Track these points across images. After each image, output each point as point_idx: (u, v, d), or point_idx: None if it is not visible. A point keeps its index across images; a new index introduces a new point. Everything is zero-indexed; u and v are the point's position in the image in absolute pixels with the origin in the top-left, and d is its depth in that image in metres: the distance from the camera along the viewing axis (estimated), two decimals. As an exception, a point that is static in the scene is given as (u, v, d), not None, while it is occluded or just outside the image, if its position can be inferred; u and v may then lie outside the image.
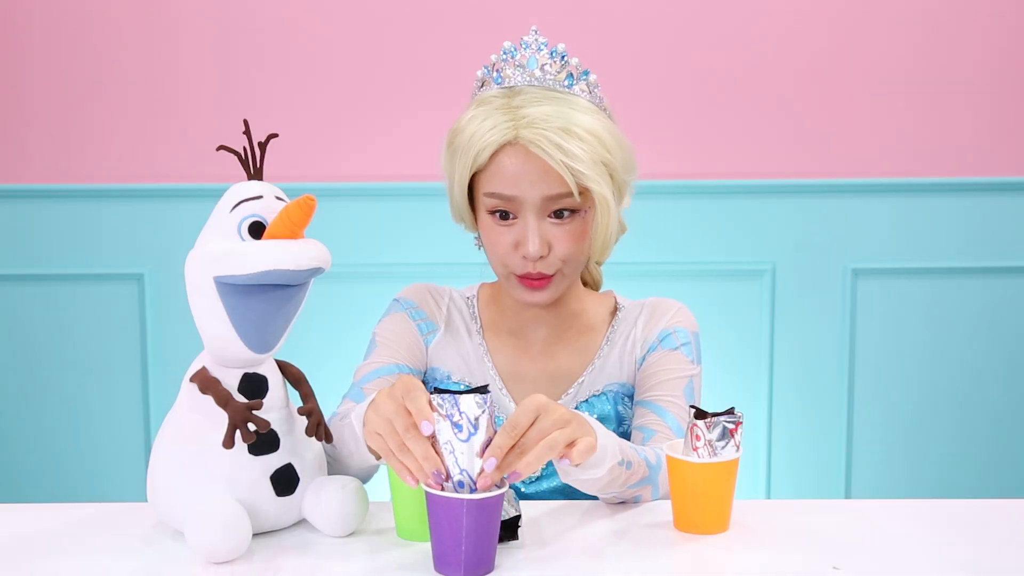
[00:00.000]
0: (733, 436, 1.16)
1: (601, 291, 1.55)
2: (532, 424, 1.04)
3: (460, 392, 1.03)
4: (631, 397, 1.45)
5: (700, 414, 1.16)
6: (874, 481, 2.47)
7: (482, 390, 1.04)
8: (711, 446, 1.15)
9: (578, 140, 1.28)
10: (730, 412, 1.16)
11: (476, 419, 1.02)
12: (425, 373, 1.47)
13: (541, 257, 1.32)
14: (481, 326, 1.48)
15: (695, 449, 1.16)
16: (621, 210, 1.40)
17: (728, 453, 1.16)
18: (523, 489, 1.41)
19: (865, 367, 2.45)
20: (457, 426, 1.02)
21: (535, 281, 1.34)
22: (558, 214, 1.31)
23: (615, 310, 1.50)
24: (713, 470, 1.16)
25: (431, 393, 1.03)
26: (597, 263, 1.52)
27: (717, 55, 2.38)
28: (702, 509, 1.17)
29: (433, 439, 1.03)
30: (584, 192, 1.30)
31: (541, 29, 1.38)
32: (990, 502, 1.29)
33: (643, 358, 1.45)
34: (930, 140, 2.40)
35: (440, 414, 1.02)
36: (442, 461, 1.02)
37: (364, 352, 1.47)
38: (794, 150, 2.40)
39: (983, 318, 2.44)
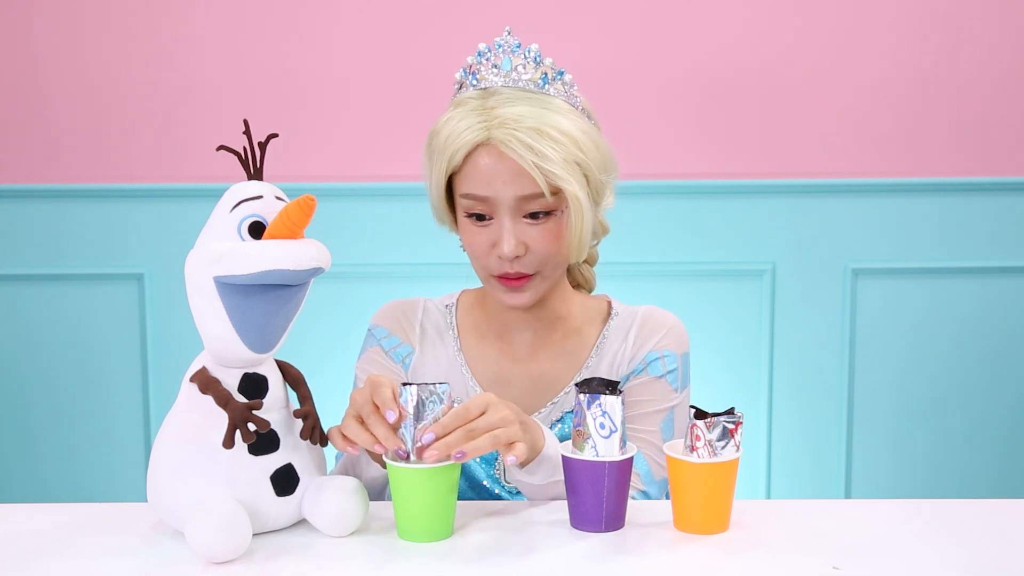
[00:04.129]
0: (733, 436, 1.16)
1: (595, 293, 1.53)
2: (481, 415, 1.15)
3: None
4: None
5: (700, 414, 1.16)
6: (874, 481, 2.47)
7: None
8: (711, 446, 1.15)
9: (550, 140, 1.28)
10: (730, 412, 1.17)
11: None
12: None
13: (517, 257, 1.32)
14: (459, 335, 1.47)
15: (695, 449, 1.16)
16: (603, 211, 1.41)
17: (728, 453, 1.16)
18: (510, 498, 1.41)
19: (865, 367, 2.45)
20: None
21: (514, 281, 1.34)
22: (533, 215, 1.32)
23: (608, 316, 1.48)
24: (713, 470, 1.16)
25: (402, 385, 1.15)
26: (582, 263, 1.51)
27: (718, 55, 2.38)
28: (702, 509, 1.17)
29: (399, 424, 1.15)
30: (558, 192, 1.30)
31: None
32: (990, 502, 1.29)
33: (627, 377, 1.44)
34: (930, 140, 2.41)
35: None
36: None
37: (352, 386, 1.49)
38: (793, 150, 2.40)
39: (983, 318, 2.44)
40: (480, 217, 1.33)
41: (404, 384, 1.15)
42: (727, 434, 1.16)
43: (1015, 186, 2.40)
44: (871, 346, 2.44)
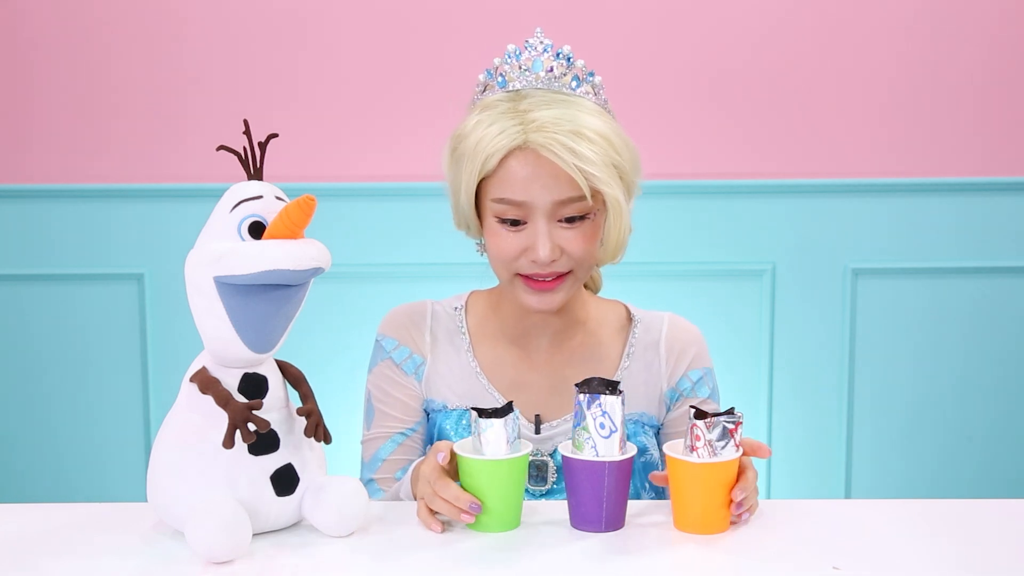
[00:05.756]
0: (733, 436, 1.16)
1: (609, 298, 1.51)
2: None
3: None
4: (653, 427, 1.43)
5: (700, 414, 1.16)
6: (874, 481, 2.47)
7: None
8: (711, 446, 1.16)
9: (588, 143, 1.26)
10: (730, 412, 1.17)
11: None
12: (423, 404, 1.45)
13: (552, 261, 1.30)
14: (471, 338, 1.44)
15: (695, 449, 1.16)
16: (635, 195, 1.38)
17: (728, 453, 1.16)
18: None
19: (865, 367, 2.45)
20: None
21: (547, 283, 1.32)
22: (569, 219, 1.30)
23: (629, 322, 1.46)
24: (713, 470, 1.16)
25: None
26: (612, 263, 1.50)
27: (718, 55, 2.38)
28: (702, 509, 1.17)
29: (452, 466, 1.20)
30: (594, 195, 1.29)
31: (542, 26, 1.38)
32: (989, 502, 1.29)
33: (674, 394, 1.43)
34: (930, 140, 2.41)
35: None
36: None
37: (364, 407, 1.47)
38: (793, 150, 2.40)
39: (982, 318, 2.44)
40: (515, 223, 1.30)
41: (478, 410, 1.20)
42: (727, 434, 1.16)
43: (1015, 186, 2.40)
44: (871, 346, 2.44)
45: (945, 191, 2.39)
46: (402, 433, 1.42)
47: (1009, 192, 2.40)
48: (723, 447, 1.16)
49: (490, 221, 1.32)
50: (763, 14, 2.37)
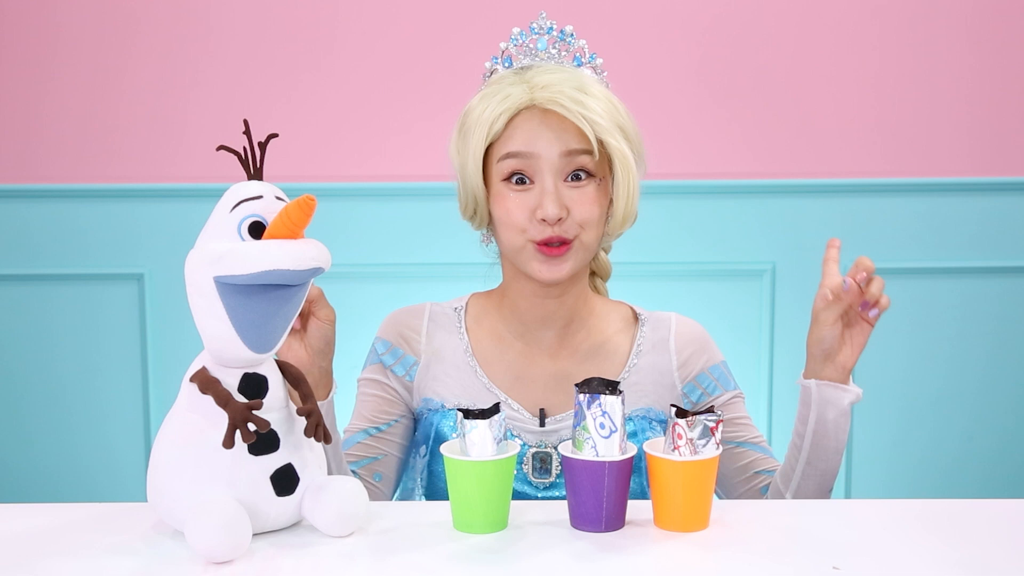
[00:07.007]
0: (714, 434, 1.17)
1: (613, 299, 1.52)
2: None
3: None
4: (660, 423, 1.44)
5: (681, 413, 1.17)
6: (874, 481, 2.47)
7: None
8: (692, 444, 1.16)
9: (594, 99, 1.31)
10: (710, 411, 1.17)
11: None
12: (417, 408, 1.46)
13: (560, 220, 1.31)
14: (470, 337, 1.45)
15: (676, 448, 1.17)
16: (639, 178, 1.39)
17: (709, 451, 1.17)
18: (539, 496, 1.41)
19: (864, 367, 2.45)
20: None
21: (555, 249, 1.32)
22: (575, 176, 1.31)
23: (635, 321, 1.47)
24: (694, 468, 1.16)
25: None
26: (597, 277, 1.51)
27: (718, 55, 2.38)
28: (683, 507, 1.17)
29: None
30: (601, 155, 1.31)
31: (542, 13, 1.40)
32: (990, 502, 1.29)
33: (694, 389, 1.45)
34: (929, 140, 2.41)
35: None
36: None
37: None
38: (793, 150, 2.40)
39: (983, 318, 2.44)
40: (521, 180, 1.32)
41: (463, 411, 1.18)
42: (708, 432, 1.16)
43: (1016, 186, 2.40)
44: (870, 346, 2.42)
45: (945, 191, 2.39)
46: (366, 431, 1.45)
47: (1009, 192, 2.40)
48: (704, 445, 1.16)
49: (498, 188, 1.34)
50: (763, 14, 2.37)
